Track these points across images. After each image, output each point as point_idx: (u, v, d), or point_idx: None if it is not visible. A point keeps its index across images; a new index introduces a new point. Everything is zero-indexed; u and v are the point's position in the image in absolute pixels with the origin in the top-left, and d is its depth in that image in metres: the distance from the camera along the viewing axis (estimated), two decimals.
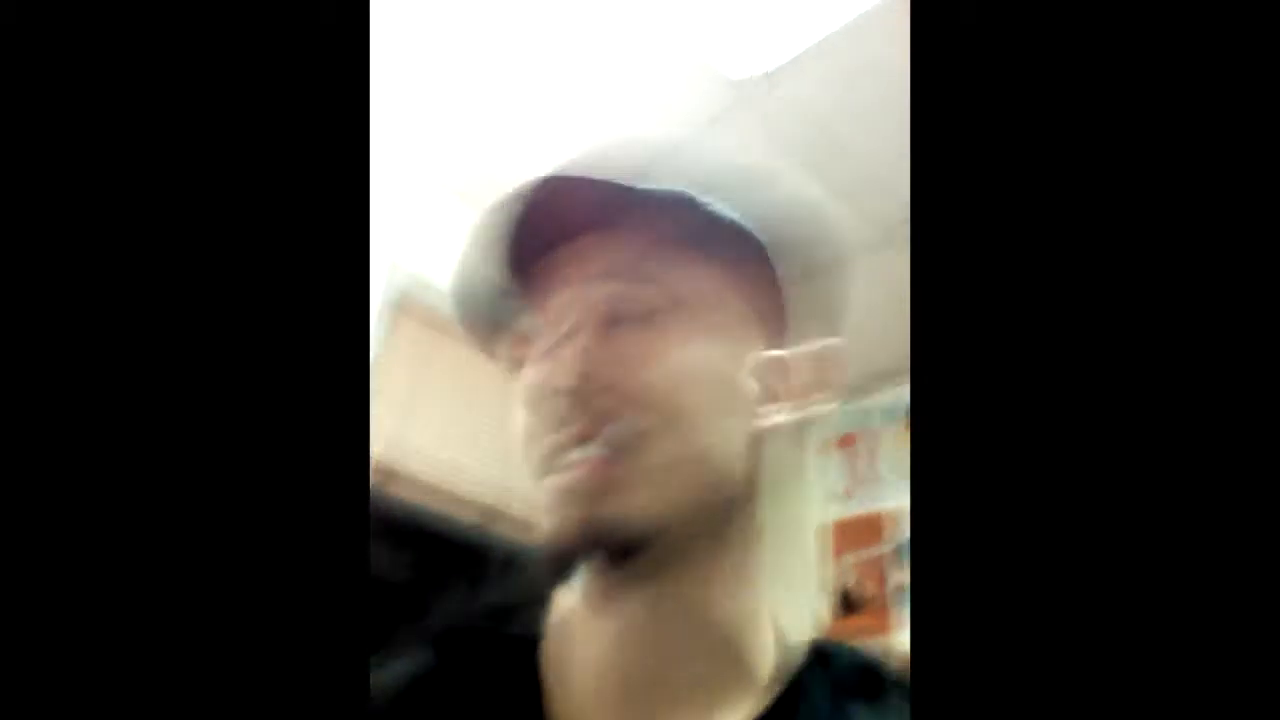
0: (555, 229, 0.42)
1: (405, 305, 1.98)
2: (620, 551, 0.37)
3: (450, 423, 1.93)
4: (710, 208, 0.42)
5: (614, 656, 0.38)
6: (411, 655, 0.44)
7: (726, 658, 0.39)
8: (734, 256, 0.43)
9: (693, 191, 0.41)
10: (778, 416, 0.42)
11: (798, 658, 0.41)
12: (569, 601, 0.42)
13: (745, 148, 1.86)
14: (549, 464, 0.38)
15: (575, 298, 0.41)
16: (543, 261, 0.42)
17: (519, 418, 0.41)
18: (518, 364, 0.43)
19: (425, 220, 2.10)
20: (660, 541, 0.37)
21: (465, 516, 1.89)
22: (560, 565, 0.38)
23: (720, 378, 0.40)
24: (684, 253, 0.42)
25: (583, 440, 0.37)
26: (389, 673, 0.43)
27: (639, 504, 0.36)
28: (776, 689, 0.39)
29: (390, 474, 1.79)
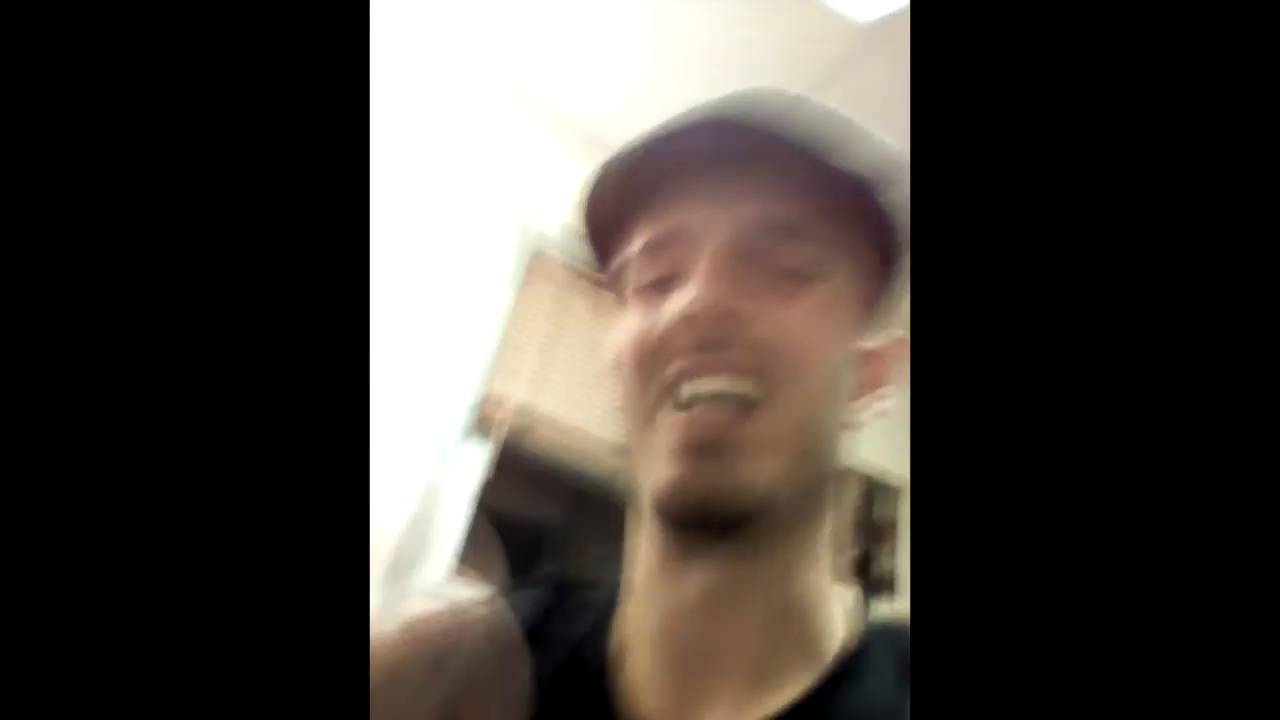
0: (734, 150, 0.39)
1: (538, 262, 2.04)
2: (731, 518, 0.35)
3: (584, 374, 2.03)
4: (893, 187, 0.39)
5: (686, 618, 0.38)
6: (521, 599, 0.46)
7: (795, 635, 0.38)
8: (874, 229, 0.41)
9: (894, 168, 0.39)
10: (879, 405, 0.43)
11: (866, 635, 0.41)
12: (650, 556, 0.40)
13: (871, 98, 1.75)
14: (671, 395, 0.37)
15: (730, 236, 0.39)
16: (711, 180, 0.40)
17: (636, 336, 0.39)
18: (622, 285, 0.42)
19: (556, 177, 2.09)
20: (766, 514, 0.36)
21: (600, 465, 2.00)
22: (676, 518, 0.37)
23: (846, 356, 0.40)
24: (848, 218, 0.40)
25: (714, 378, 0.36)
26: (491, 615, 0.45)
27: (766, 470, 0.35)
28: (837, 666, 0.39)
29: (529, 425, 1.92)
